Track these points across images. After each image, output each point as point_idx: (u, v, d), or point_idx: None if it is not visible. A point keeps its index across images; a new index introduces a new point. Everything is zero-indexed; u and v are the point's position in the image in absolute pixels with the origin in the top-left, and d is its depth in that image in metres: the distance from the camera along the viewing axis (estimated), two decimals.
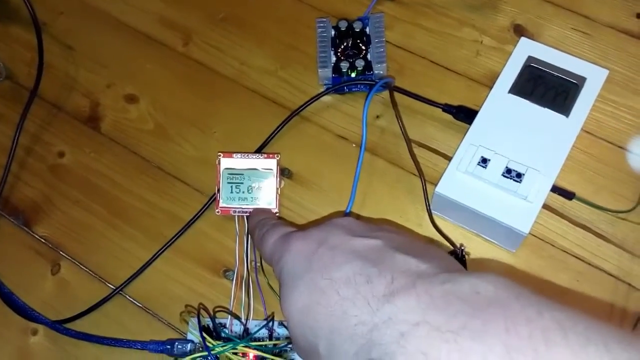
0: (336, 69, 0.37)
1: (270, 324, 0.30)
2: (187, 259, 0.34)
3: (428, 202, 0.32)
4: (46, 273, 0.34)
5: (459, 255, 0.31)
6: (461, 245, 0.31)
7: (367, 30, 0.38)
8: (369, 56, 0.37)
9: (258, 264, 0.32)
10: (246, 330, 0.30)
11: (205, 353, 0.27)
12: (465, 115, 0.34)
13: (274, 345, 0.29)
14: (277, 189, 0.33)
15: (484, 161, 0.30)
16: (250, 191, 0.33)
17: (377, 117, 0.37)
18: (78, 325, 0.32)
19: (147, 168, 0.37)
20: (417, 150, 0.35)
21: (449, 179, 0.31)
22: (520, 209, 0.29)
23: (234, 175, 0.33)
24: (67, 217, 0.35)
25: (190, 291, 0.33)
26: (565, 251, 0.32)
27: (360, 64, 0.36)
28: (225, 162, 0.33)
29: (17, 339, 0.32)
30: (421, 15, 0.40)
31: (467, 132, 0.32)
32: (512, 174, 0.30)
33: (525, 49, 0.34)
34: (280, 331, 0.30)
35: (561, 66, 0.33)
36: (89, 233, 0.35)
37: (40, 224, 0.35)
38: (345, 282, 0.20)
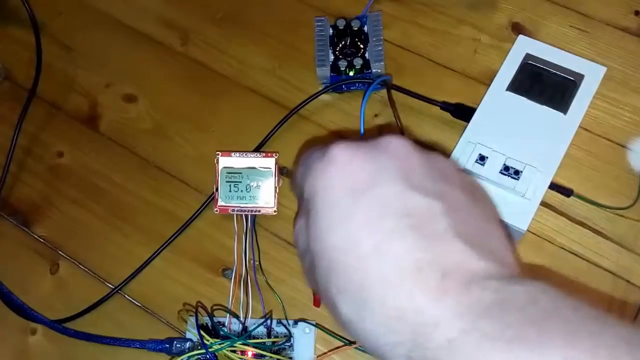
0: (334, 67, 0.37)
1: (269, 322, 0.30)
2: (186, 258, 0.34)
3: None
4: (45, 272, 0.34)
5: None
6: None
7: (365, 28, 0.38)
8: (367, 55, 0.37)
9: (257, 263, 0.32)
10: (245, 328, 0.30)
11: (203, 351, 0.27)
12: (463, 113, 0.34)
13: (273, 342, 0.29)
14: (275, 187, 0.33)
15: (482, 159, 0.30)
16: (248, 190, 0.33)
17: (376, 115, 0.37)
18: (77, 325, 0.32)
19: (145, 167, 0.37)
20: None
21: None
22: (518, 206, 0.29)
23: (233, 174, 0.33)
24: (66, 217, 0.35)
25: (189, 290, 0.33)
26: (563, 248, 0.32)
27: (358, 62, 0.36)
28: (224, 161, 0.33)
29: (16, 339, 0.32)
30: (419, 14, 0.40)
31: (465, 129, 0.32)
32: (510, 171, 0.30)
33: (523, 47, 0.34)
34: (278, 330, 0.30)
35: (559, 63, 0.33)
36: (88, 232, 0.35)
37: (39, 224, 0.35)
38: (391, 259, 0.17)
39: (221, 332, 0.29)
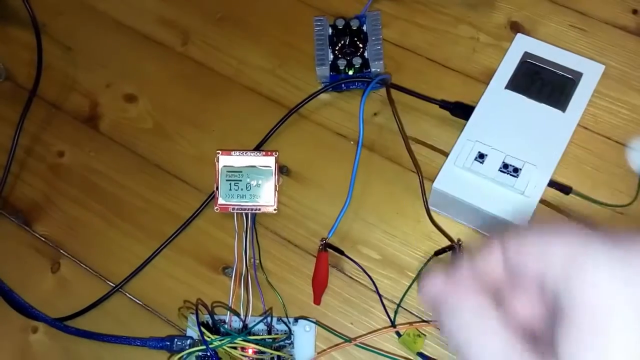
0: (334, 66, 0.37)
1: (269, 319, 0.30)
2: (187, 256, 0.34)
3: (426, 198, 0.32)
4: (46, 271, 0.34)
5: (456, 251, 0.31)
6: (458, 240, 0.31)
7: (364, 28, 0.38)
8: (366, 54, 0.37)
9: (257, 261, 0.32)
10: (245, 326, 0.30)
11: (204, 347, 0.27)
12: (462, 111, 0.34)
13: (273, 339, 0.29)
14: (275, 186, 0.33)
15: (481, 156, 0.31)
16: (248, 188, 0.33)
17: (375, 114, 0.37)
18: (78, 323, 0.32)
19: (146, 166, 0.37)
20: (414, 146, 0.35)
21: (447, 175, 0.31)
22: (518, 203, 0.30)
23: (233, 173, 0.33)
24: (66, 216, 0.36)
25: (190, 288, 0.33)
26: None
27: (357, 61, 0.37)
28: (224, 160, 0.34)
29: (18, 337, 0.32)
30: (418, 13, 0.40)
31: (464, 127, 0.32)
32: (509, 169, 0.30)
33: (521, 45, 0.34)
34: (279, 327, 0.30)
35: (557, 62, 0.33)
36: (89, 231, 0.35)
37: (40, 223, 0.36)
38: None
39: (222, 329, 0.29)
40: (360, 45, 0.37)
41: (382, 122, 0.37)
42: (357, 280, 0.32)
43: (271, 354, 0.29)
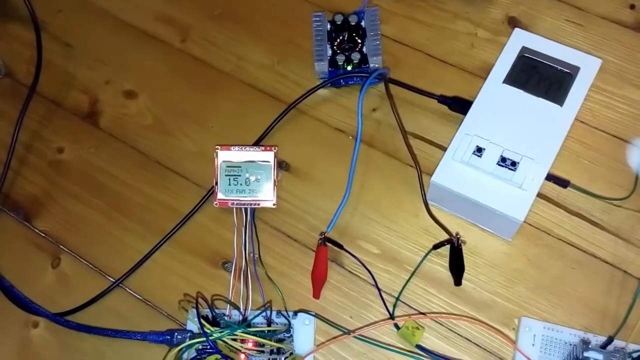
0: (332, 62, 0.37)
1: (268, 312, 0.31)
2: (186, 251, 0.34)
3: (424, 192, 0.32)
4: (47, 267, 0.34)
5: (454, 244, 0.31)
6: (457, 233, 0.31)
7: (363, 23, 0.38)
8: (364, 49, 0.37)
9: (256, 256, 0.33)
10: (245, 319, 0.31)
11: (204, 339, 0.28)
12: (460, 105, 0.34)
13: (273, 331, 0.29)
14: (274, 181, 0.33)
15: (479, 150, 0.31)
16: (247, 183, 0.33)
17: (374, 110, 0.37)
18: (79, 318, 0.32)
19: (146, 162, 0.37)
20: (413, 141, 0.35)
21: (445, 169, 0.31)
22: (515, 197, 0.30)
23: (232, 168, 0.33)
24: (66, 212, 0.36)
25: (190, 283, 0.33)
26: (561, 239, 0.32)
27: (356, 57, 0.37)
28: (223, 155, 0.34)
29: (19, 332, 0.32)
30: (416, 9, 0.40)
31: (462, 122, 0.32)
32: (507, 163, 0.30)
33: (519, 40, 0.34)
34: (278, 321, 0.31)
35: (555, 56, 0.33)
36: (89, 227, 0.35)
37: (40, 219, 0.36)
38: None
39: (222, 322, 0.30)
40: (359, 41, 0.38)
41: (381, 118, 0.37)
42: (356, 275, 0.32)
43: (271, 346, 0.29)
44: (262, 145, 0.35)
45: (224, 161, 0.34)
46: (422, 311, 0.31)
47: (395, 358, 0.30)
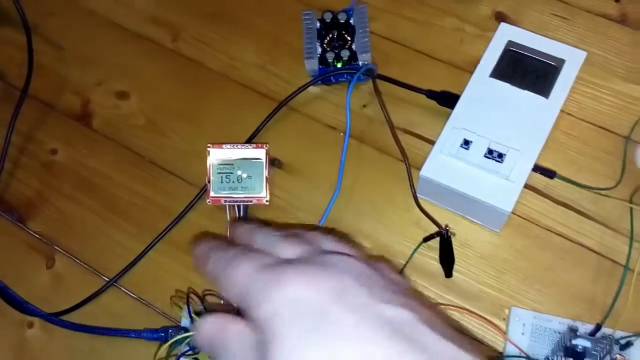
0: (322, 59, 0.38)
1: None
2: (180, 249, 0.34)
3: (413, 185, 0.32)
4: (41, 267, 0.34)
5: (444, 237, 0.31)
6: (446, 225, 0.32)
7: (352, 21, 0.38)
8: (353, 46, 0.38)
9: None
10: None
11: (193, 333, 0.28)
12: (448, 100, 0.34)
13: None
14: (266, 177, 0.34)
15: (466, 143, 0.31)
16: (240, 181, 0.34)
17: (364, 106, 0.37)
18: (74, 317, 0.32)
19: (139, 162, 0.37)
20: (403, 136, 0.36)
21: (433, 162, 0.31)
22: (503, 188, 0.30)
23: (224, 166, 0.34)
24: (60, 213, 0.36)
25: (184, 280, 0.33)
26: (549, 230, 0.33)
27: (345, 54, 0.37)
28: (215, 153, 0.34)
29: (14, 332, 0.33)
30: (405, 6, 0.40)
31: (449, 116, 0.33)
32: (494, 155, 0.31)
33: (505, 34, 0.34)
34: None
35: (540, 49, 0.33)
36: (83, 227, 0.35)
37: (34, 220, 0.36)
38: None
39: None
40: (348, 38, 0.38)
41: (371, 114, 0.37)
42: None
43: None
44: (253, 143, 0.35)
45: (216, 159, 0.34)
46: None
47: None
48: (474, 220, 0.33)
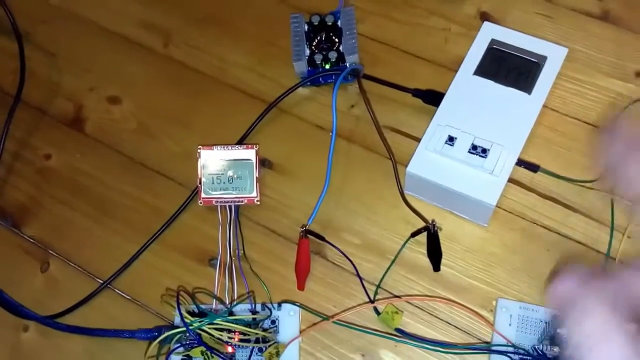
0: (311, 61, 0.38)
1: (253, 305, 0.31)
2: (173, 250, 0.35)
3: (400, 182, 0.33)
4: (36, 271, 0.35)
5: (430, 231, 0.32)
6: (432, 220, 0.32)
7: (339, 23, 0.39)
8: (341, 48, 0.38)
9: (241, 252, 0.33)
10: (230, 313, 0.31)
11: (183, 329, 0.28)
12: (434, 98, 0.35)
13: (253, 319, 0.30)
14: (256, 177, 0.34)
15: (451, 139, 0.32)
16: (230, 181, 0.34)
17: (352, 106, 0.38)
18: (68, 320, 0.33)
19: (131, 165, 0.38)
20: (390, 135, 0.36)
21: (419, 159, 0.32)
22: (487, 182, 0.31)
23: (215, 167, 0.34)
24: (54, 217, 0.36)
25: (177, 281, 0.33)
26: (534, 223, 0.33)
27: (333, 55, 0.38)
28: (206, 155, 0.35)
29: (9, 336, 0.33)
30: (391, 7, 0.41)
31: (434, 113, 0.33)
32: (478, 150, 0.31)
33: (488, 33, 0.35)
34: (263, 313, 0.31)
35: (523, 47, 0.34)
36: (77, 231, 0.36)
37: (29, 225, 0.36)
38: None
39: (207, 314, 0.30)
40: (336, 40, 0.39)
41: (359, 114, 0.38)
42: (339, 266, 0.33)
43: (256, 333, 0.29)
44: (244, 144, 0.36)
45: (206, 160, 0.34)
46: (395, 294, 0.32)
47: (377, 342, 0.31)
48: (461, 215, 0.33)
